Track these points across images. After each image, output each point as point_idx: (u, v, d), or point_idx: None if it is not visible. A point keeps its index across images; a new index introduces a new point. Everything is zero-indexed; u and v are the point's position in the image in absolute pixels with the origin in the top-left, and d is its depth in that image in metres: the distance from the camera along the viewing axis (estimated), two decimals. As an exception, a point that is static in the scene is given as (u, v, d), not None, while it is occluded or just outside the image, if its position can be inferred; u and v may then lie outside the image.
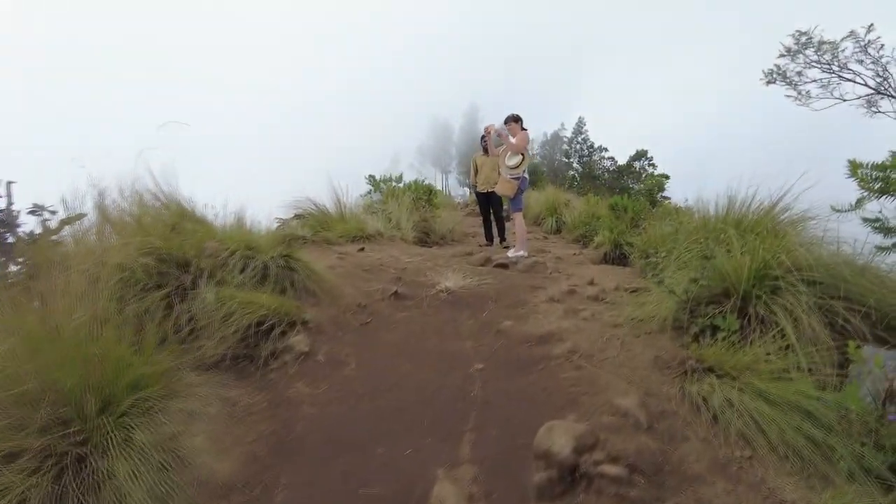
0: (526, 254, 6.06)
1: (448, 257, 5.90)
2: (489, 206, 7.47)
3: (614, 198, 6.78)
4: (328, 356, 2.82)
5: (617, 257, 6.08)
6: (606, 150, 51.00)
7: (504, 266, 5.18)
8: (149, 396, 2.09)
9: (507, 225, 7.68)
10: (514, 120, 6.14)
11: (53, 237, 3.92)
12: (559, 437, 1.81)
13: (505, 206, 7.52)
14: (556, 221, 11.34)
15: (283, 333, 2.88)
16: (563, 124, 52.56)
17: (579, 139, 49.82)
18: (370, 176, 9.07)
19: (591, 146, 49.95)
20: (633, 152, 49.06)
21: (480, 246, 7.97)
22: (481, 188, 7.34)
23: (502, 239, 7.72)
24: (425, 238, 7.91)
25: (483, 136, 6.79)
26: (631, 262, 5.65)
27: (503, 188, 6.06)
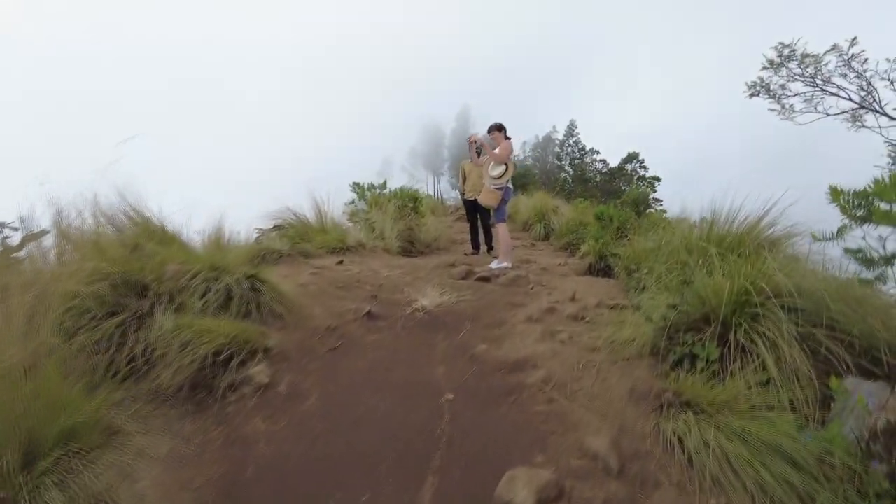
0: (510, 265, 5.94)
1: (430, 269, 5.77)
2: (476, 213, 7.37)
3: (600, 207, 6.68)
4: (290, 387, 2.68)
5: (602, 269, 5.97)
6: (598, 152, 51.36)
7: (486, 279, 5.05)
8: (84, 445, 1.93)
9: (494, 232, 7.58)
10: (498, 129, 6.03)
11: (14, 255, 3.75)
12: (521, 489, 1.69)
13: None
14: (545, 228, 11.27)
15: (244, 363, 2.73)
16: (554, 127, 52.79)
17: (571, 142, 50.03)
18: (355, 183, 8.94)
19: (583, 149, 50.20)
20: (624, 155, 49.25)
21: (466, 255, 7.86)
22: (469, 195, 7.24)
23: (489, 248, 7.63)
24: (410, 247, 7.78)
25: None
26: (616, 274, 5.54)
27: (486, 198, 5.95)
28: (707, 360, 2.41)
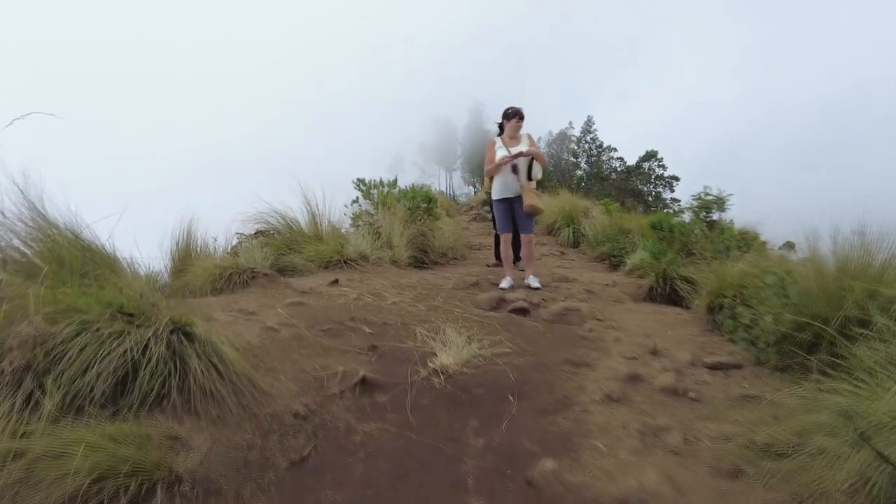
0: (539, 284, 4.75)
1: (448, 291, 4.55)
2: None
3: (657, 215, 5.41)
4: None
5: (665, 294, 4.70)
6: (615, 149, 49.65)
7: (523, 312, 3.81)
8: None
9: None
10: (521, 117, 4.84)
11: None
12: None
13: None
14: (573, 233, 9.97)
15: (132, 506, 1.53)
16: (570, 123, 51.20)
17: (588, 138, 48.27)
18: (359, 180, 7.70)
19: (601, 146, 48.44)
20: (642, 152, 47.59)
21: (489, 265, 6.61)
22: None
23: (517, 258, 6.23)
24: (422, 257, 6.55)
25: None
26: (691, 305, 4.28)
27: (535, 201, 4.72)
28: None
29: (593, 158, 49.11)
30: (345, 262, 4.99)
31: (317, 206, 5.48)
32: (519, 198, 4.76)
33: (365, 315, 3.34)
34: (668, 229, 5.18)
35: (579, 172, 47.51)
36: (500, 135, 5.02)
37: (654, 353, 3.01)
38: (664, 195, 48.44)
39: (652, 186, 48.75)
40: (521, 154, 4.67)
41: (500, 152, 4.75)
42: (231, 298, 3.40)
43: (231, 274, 3.69)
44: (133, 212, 2.83)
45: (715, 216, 4.87)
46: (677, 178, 49.29)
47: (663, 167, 48.82)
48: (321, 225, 5.56)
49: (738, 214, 5.50)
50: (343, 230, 6.26)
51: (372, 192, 7.69)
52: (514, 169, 4.75)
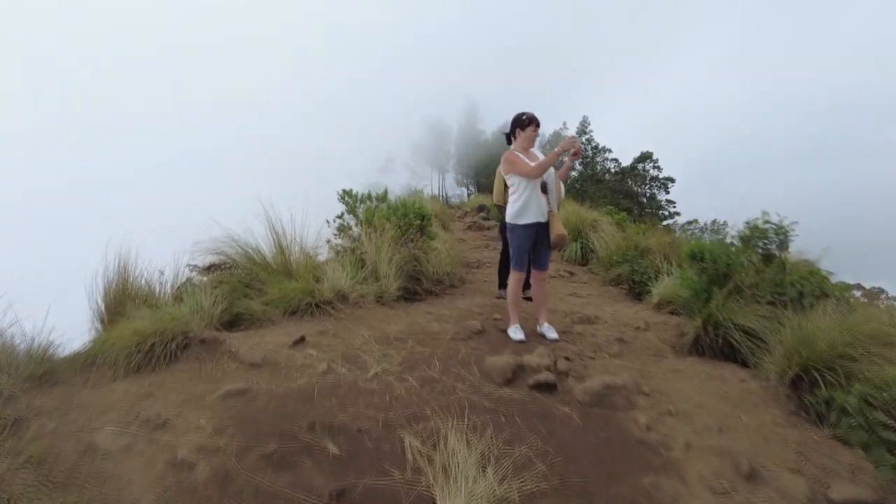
0: (556, 335, 3.84)
1: (447, 343, 3.60)
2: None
3: (697, 243, 4.49)
4: None
5: (717, 347, 3.77)
6: (610, 151, 48.95)
7: (549, 389, 2.87)
8: None
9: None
10: (538, 125, 3.94)
11: None
12: None
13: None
14: (581, 248, 9.07)
15: None
16: (565, 123, 50.43)
17: (583, 140, 47.38)
18: (345, 192, 6.70)
19: (596, 147, 47.63)
20: (636, 153, 47.05)
21: (498, 298, 5.62)
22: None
23: (527, 287, 5.13)
24: (414, 287, 5.58)
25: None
26: (748, 360, 3.39)
27: (563, 230, 3.81)
28: None
29: (588, 160, 48.46)
30: (317, 305, 4.02)
31: (284, 232, 4.48)
32: (546, 224, 3.81)
33: (333, 412, 2.37)
34: (710, 261, 4.27)
35: (573, 174, 46.78)
36: (508, 144, 4.08)
37: (750, 477, 2.08)
38: (659, 197, 47.96)
39: (647, 188, 48.23)
40: (574, 146, 3.68)
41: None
42: (144, 387, 2.41)
43: (153, 344, 2.69)
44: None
45: (773, 247, 3.97)
46: (672, 180, 48.78)
47: (658, 168, 48.26)
48: (290, 254, 4.57)
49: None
50: (321, 257, 5.29)
51: (358, 207, 6.71)
52: (545, 187, 3.80)
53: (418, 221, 6.41)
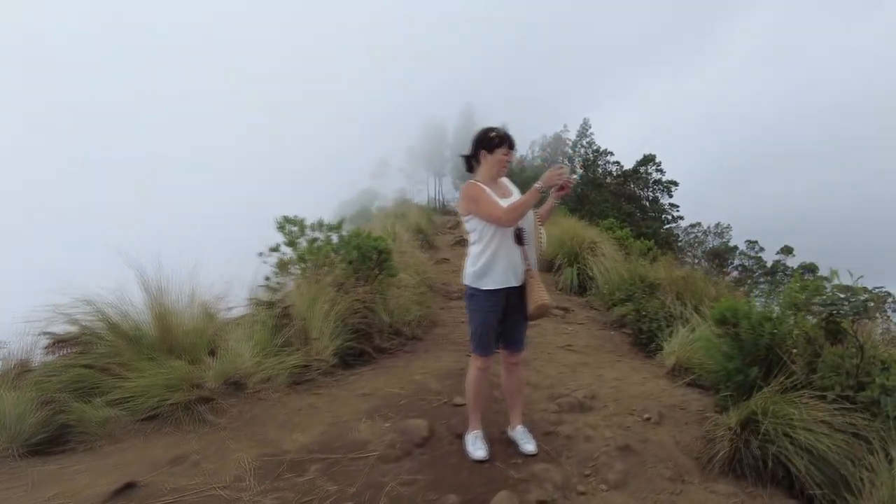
0: (481, 452, 2.64)
1: (369, 470, 2.41)
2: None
3: (726, 302, 3.29)
4: None
5: (762, 467, 2.56)
6: (612, 153, 47.65)
7: None
8: None
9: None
10: (512, 146, 2.60)
11: None
12: None
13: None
14: (578, 275, 7.85)
15: None
16: (565, 126, 49.02)
17: (584, 142, 46.09)
18: (284, 219, 5.51)
19: (597, 150, 46.35)
20: (639, 156, 45.93)
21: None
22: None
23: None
24: (361, 348, 4.38)
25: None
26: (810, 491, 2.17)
27: (546, 296, 2.52)
28: None
29: (588, 163, 47.21)
30: (197, 402, 2.82)
31: (162, 290, 3.27)
32: (520, 289, 2.60)
33: None
34: (747, 328, 3.07)
35: (574, 176, 45.50)
36: (469, 172, 2.82)
37: None
38: (662, 200, 46.70)
39: (649, 191, 46.96)
40: (562, 178, 2.41)
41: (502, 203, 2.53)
42: None
43: None
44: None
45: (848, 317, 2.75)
46: (675, 183, 47.44)
47: (661, 171, 47.00)
48: (179, 319, 3.36)
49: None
50: (234, 312, 4.09)
51: (301, 236, 5.52)
52: (520, 237, 2.53)
53: (375, 256, 5.22)
